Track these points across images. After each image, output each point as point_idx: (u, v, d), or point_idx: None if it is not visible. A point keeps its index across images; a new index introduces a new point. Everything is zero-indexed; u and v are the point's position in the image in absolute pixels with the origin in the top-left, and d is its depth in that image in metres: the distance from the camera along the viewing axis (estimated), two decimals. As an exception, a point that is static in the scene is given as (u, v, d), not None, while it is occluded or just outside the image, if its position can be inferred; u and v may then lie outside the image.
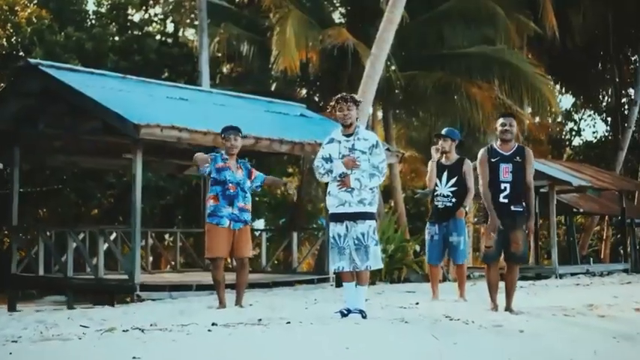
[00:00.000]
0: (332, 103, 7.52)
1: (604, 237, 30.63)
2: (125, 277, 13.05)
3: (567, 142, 37.77)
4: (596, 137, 36.90)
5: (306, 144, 14.20)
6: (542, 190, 18.88)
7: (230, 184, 8.98)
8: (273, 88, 24.72)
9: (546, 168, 18.10)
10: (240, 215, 9.03)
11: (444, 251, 9.89)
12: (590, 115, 37.85)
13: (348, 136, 7.44)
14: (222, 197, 9.01)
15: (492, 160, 8.01)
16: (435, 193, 9.78)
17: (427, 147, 26.01)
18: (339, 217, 7.39)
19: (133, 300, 12.48)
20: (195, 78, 22.04)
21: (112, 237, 16.26)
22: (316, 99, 25.67)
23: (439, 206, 9.78)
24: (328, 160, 7.46)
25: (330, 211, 7.53)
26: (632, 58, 33.08)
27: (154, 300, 12.21)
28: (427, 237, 9.90)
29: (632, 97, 30.97)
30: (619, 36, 30.21)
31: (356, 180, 7.30)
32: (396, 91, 22.74)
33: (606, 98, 35.14)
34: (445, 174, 9.76)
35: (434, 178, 9.83)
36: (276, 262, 19.46)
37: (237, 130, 9.17)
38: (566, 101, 42.35)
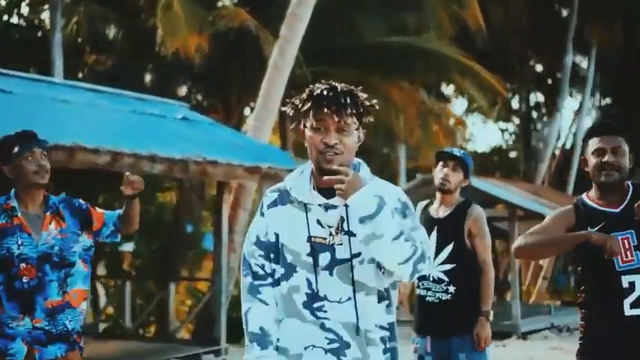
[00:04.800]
0: (296, 106, 2.96)
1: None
2: None
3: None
4: (490, 145, 34.96)
5: (190, 162, 9.79)
6: (495, 223, 15.08)
7: (23, 265, 4.14)
8: (148, 82, 20.36)
9: (501, 192, 14.05)
10: (53, 327, 4.19)
11: None
12: (484, 121, 36.24)
13: (331, 194, 2.90)
14: (7, 297, 4.16)
15: (590, 228, 3.76)
16: None
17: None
18: None
19: None
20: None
21: None
22: (200, 98, 21.41)
23: (428, 299, 5.03)
24: (269, 265, 3.03)
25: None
26: (531, 63, 30.92)
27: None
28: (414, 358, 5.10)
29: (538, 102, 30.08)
30: (532, 41, 27.41)
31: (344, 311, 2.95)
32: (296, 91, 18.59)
33: (498, 104, 33.25)
34: (434, 236, 4.94)
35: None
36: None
37: (37, 139, 4.31)
38: (461, 105, 39.94)
